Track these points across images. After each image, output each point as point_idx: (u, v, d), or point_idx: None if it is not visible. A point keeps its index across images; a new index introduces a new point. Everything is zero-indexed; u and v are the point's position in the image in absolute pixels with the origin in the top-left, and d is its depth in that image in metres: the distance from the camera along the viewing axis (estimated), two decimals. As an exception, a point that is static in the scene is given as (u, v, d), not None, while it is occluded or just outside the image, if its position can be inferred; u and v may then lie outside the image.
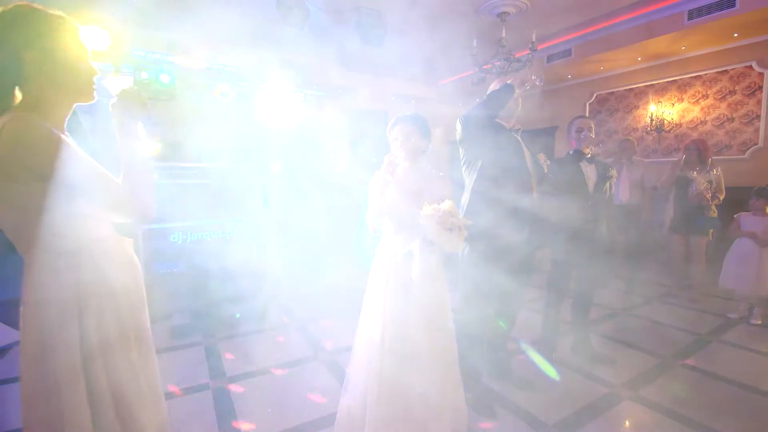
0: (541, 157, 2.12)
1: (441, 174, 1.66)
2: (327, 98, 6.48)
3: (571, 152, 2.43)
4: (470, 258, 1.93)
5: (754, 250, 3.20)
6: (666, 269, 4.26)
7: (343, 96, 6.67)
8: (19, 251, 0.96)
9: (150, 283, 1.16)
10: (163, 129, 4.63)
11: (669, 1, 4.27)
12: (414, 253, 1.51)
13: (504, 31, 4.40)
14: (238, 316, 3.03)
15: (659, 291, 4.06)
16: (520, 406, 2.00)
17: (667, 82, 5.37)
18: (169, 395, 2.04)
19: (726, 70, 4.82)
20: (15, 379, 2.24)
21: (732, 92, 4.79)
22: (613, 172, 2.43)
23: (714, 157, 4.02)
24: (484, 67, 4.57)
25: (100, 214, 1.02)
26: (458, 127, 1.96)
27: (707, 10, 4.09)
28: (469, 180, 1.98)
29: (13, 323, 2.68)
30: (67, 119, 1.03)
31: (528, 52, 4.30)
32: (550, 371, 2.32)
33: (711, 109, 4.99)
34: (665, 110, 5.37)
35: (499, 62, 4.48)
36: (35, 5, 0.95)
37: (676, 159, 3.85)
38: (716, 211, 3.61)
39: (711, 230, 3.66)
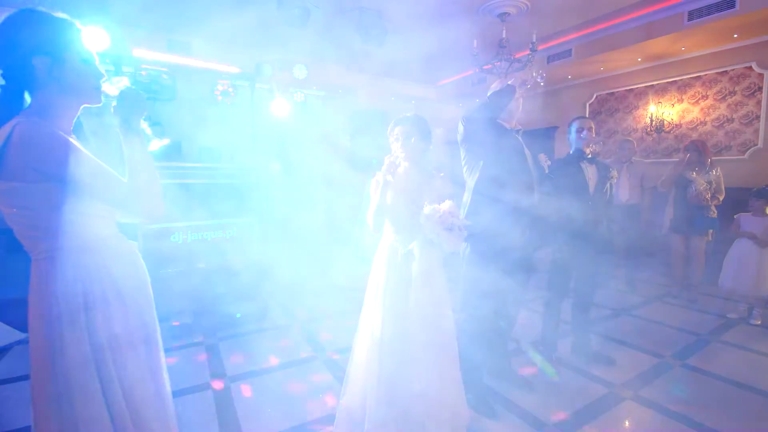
0: (542, 157, 2.12)
1: (441, 174, 1.66)
2: (327, 98, 6.49)
3: (571, 152, 2.44)
4: (470, 258, 1.93)
5: (753, 251, 3.21)
6: (666, 269, 4.27)
7: (343, 96, 6.67)
8: (26, 250, 0.97)
9: (151, 283, 1.17)
10: (163, 129, 4.63)
11: (669, 1, 4.28)
12: (414, 252, 1.51)
13: (504, 31, 4.40)
14: (238, 315, 3.03)
15: (659, 291, 4.07)
16: (520, 406, 2.00)
17: (667, 82, 5.37)
18: (169, 395, 2.04)
19: (726, 71, 4.82)
20: (15, 379, 2.24)
21: (732, 93, 4.79)
22: (614, 173, 2.44)
23: (714, 158, 4.03)
24: (485, 67, 4.57)
25: (106, 213, 1.03)
26: (460, 127, 1.96)
27: (707, 10, 4.09)
28: (470, 180, 1.98)
29: (14, 323, 2.68)
30: (73, 121, 1.04)
31: (528, 52, 4.31)
32: (550, 371, 2.33)
33: (711, 110, 4.99)
34: (665, 111, 5.37)
35: (499, 62, 4.49)
36: (41, 9, 0.96)
37: (675, 159, 3.85)
38: (716, 212, 3.62)
39: (711, 230, 3.67)
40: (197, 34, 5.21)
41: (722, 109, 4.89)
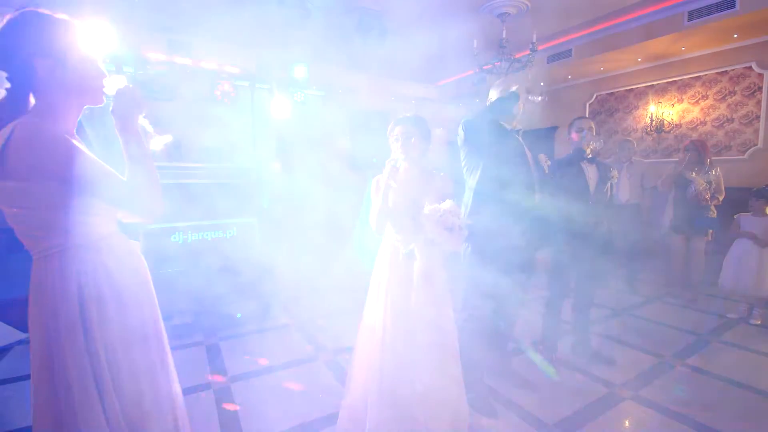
0: (542, 157, 2.13)
1: (442, 174, 1.66)
2: (327, 98, 6.49)
3: (571, 151, 2.44)
4: (471, 258, 1.93)
5: (753, 251, 3.21)
6: (666, 269, 4.27)
7: (343, 96, 6.67)
8: (27, 249, 0.97)
9: (151, 282, 1.16)
10: (163, 129, 4.63)
11: (669, 2, 4.28)
12: (415, 252, 1.51)
13: (504, 31, 4.40)
14: (239, 315, 3.03)
15: (659, 291, 4.07)
16: (520, 406, 2.00)
17: (667, 82, 5.38)
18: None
19: (726, 71, 4.83)
20: (16, 379, 2.24)
21: (732, 93, 4.80)
22: (615, 173, 2.44)
23: (714, 158, 4.03)
24: (485, 67, 4.58)
25: (106, 212, 1.03)
26: (460, 132, 1.97)
27: (707, 11, 4.09)
28: (471, 180, 1.99)
29: (14, 323, 2.68)
30: (76, 122, 1.04)
31: (528, 52, 4.31)
32: (551, 371, 2.33)
33: (711, 110, 5.00)
34: (665, 111, 5.37)
35: (499, 62, 4.49)
36: (42, 10, 0.96)
37: (675, 159, 3.86)
38: (715, 212, 3.62)
39: (710, 230, 3.67)
40: (197, 34, 5.21)
41: (722, 109, 4.89)
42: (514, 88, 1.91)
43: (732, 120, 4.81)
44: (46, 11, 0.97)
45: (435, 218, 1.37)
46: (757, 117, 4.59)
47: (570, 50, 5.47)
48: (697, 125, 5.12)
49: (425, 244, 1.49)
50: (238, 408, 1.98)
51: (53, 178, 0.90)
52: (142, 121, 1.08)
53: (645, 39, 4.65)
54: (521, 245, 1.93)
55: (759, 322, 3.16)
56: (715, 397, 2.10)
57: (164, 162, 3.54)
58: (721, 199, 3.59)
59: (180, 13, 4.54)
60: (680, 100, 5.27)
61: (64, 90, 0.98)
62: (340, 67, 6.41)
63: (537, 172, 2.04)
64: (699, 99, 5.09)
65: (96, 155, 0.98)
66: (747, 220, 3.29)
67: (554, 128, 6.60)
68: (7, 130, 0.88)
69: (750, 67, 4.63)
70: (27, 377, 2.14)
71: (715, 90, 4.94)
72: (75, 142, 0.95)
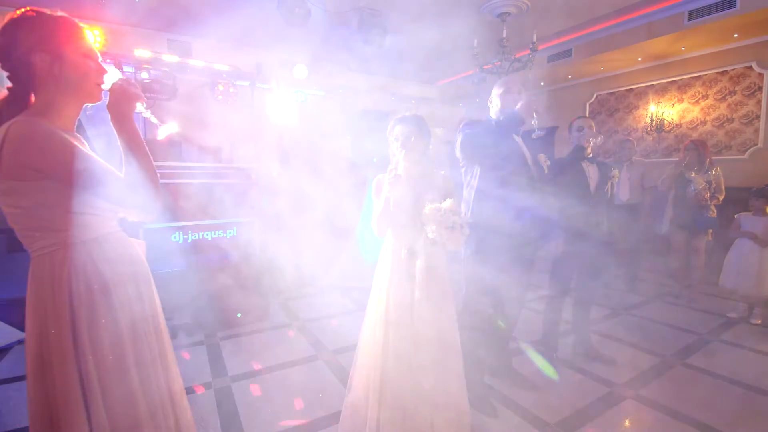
0: (542, 157, 2.12)
1: (442, 172, 1.66)
2: (327, 98, 6.49)
3: (572, 150, 2.44)
4: (471, 256, 1.93)
5: (754, 250, 3.21)
6: (666, 269, 4.27)
7: (343, 96, 6.67)
8: (25, 247, 0.97)
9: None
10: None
11: (669, 1, 4.28)
12: (417, 251, 1.51)
13: (505, 31, 4.40)
14: (239, 315, 3.03)
15: (660, 290, 4.07)
16: (521, 405, 2.00)
17: (667, 82, 5.38)
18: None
19: (726, 71, 4.83)
20: (16, 379, 2.24)
21: (732, 93, 4.80)
22: (616, 173, 2.44)
23: (714, 158, 4.03)
24: (485, 67, 4.58)
25: (104, 210, 1.02)
26: (457, 148, 1.97)
27: (707, 10, 4.10)
28: (472, 180, 1.99)
29: (14, 323, 2.68)
30: (76, 119, 1.04)
31: (528, 52, 4.31)
32: (551, 370, 2.33)
33: (711, 110, 5.00)
34: (665, 110, 5.38)
35: (499, 62, 4.49)
36: (40, 9, 0.96)
37: (675, 159, 3.86)
38: (715, 211, 3.62)
39: (710, 230, 3.67)
40: (197, 34, 5.21)
41: (722, 109, 4.89)
42: (518, 107, 1.91)
43: (732, 120, 4.81)
44: (46, 10, 0.97)
45: (436, 218, 1.37)
46: (757, 117, 4.59)
47: (570, 50, 5.47)
48: (697, 125, 5.12)
49: (427, 243, 1.49)
50: (239, 407, 1.98)
51: (48, 176, 0.90)
52: (146, 113, 1.07)
53: (645, 39, 4.66)
54: (521, 244, 1.93)
55: (759, 321, 3.16)
56: (716, 397, 2.10)
57: (164, 162, 3.54)
58: (721, 198, 3.59)
59: (180, 13, 4.54)
60: (680, 100, 5.27)
61: (62, 87, 0.97)
62: (340, 67, 6.41)
63: (537, 173, 2.04)
64: (699, 99, 5.09)
65: (96, 153, 0.98)
66: (747, 220, 3.29)
67: (554, 128, 6.60)
68: (3, 128, 0.88)
69: (750, 67, 4.63)
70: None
71: (715, 90, 4.94)
72: (72, 138, 0.94)
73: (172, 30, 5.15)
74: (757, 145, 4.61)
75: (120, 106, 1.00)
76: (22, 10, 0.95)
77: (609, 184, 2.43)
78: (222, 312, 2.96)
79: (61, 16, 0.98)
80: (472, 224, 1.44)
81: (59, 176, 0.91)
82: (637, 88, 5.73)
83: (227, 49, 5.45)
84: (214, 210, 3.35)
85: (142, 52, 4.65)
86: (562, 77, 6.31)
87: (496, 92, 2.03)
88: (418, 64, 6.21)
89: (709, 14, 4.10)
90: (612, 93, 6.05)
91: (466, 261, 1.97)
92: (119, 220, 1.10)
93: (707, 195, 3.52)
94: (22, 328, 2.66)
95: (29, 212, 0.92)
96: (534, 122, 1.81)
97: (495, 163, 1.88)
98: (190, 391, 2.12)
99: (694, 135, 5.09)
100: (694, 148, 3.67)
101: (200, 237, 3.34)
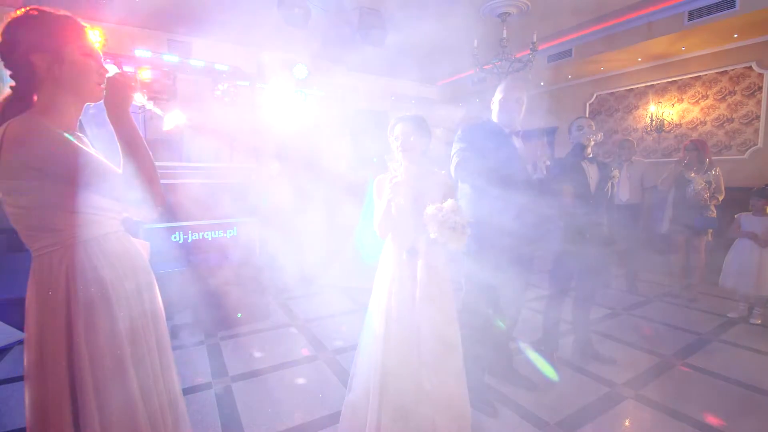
0: (541, 157, 2.12)
1: (443, 172, 1.66)
2: (327, 98, 6.48)
3: (572, 148, 2.44)
4: (470, 257, 1.93)
5: (754, 250, 3.21)
6: (666, 269, 4.27)
7: (343, 96, 6.67)
8: (27, 247, 0.96)
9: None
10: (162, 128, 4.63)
11: (669, 1, 4.28)
12: (419, 251, 1.52)
13: (505, 31, 4.40)
14: (239, 315, 3.03)
15: (660, 290, 4.07)
16: (522, 405, 2.00)
17: (667, 82, 5.38)
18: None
19: (726, 71, 4.83)
20: (16, 379, 2.24)
21: (732, 93, 4.80)
22: (616, 173, 2.44)
23: (714, 158, 4.03)
24: (485, 67, 4.57)
25: (104, 210, 1.01)
26: (452, 165, 1.97)
27: (707, 10, 4.09)
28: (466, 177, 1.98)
29: (14, 323, 2.68)
30: (77, 119, 1.03)
31: (528, 52, 4.31)
32: (551, 370, 2.33)
33: (711, 110, 5.00)
34: (665, 110, 5.37)
35: (499, 62, 4.49)
36: (42, 8, 0.96)
37: (675, 159, 3.86)
38: (715, 211, 3.63)
39: (710, 230, 3.67)
40: (197, 34, 5.20)
41: (722, 109, 4.89)
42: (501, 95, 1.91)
43: (732, 120, 4.81)
44: (49, 9, 0.96)
45: (438, 218, 1.37)
46: (757, 117, 4.59)
47: (570, 50, 5.47)
48: (697, 125, 5.12)
49: (428, 243, 1.49)
50: (239, 407, 1.98)
51: (48, 175, 0.89)
52: (149, 105, 1.06)
53: (645, 39, 4.66)
54: (521, 244, 1.93)
55: (759, 321, 3.16)
56: (715, 397, 2.10)
57: (164, 162, 3.54)
58: (720, 198, 3.59)
59: (180, 13, 4.54)
60: (680, 100, 5.27)
61: (63, 87, 0.97)
62: (340, 67, 6.41)
63: (536, 172, 2.03)
64: (699, 99, 5.09)
65: (98, 153, 0.97)
66: (748, 220, 3.29)
67: (554, 128, 6.60)
68: (2, 129, 0.88)
69: (750, 67, 4.63)
70: (27, 377, 2.14)
71: (715, 90, 4.94)
72: (73, 138, 0.94)
73: (172, 30, 5.14)
74: (756, 145, 4.61)
75: (116, 99, 0.98)
76: (24, 9, 0.95)
77: (609, 184, 2.43)
78: (222, 312, 2.96)
79: (64, 16, 0.98)
80: (472, 224, 1.44)
81: (59, 175, 0.90)
82: (637, 88, 5.73)
83: (227, 49, 5.45)
84: (214, 210, 3.35)
85: (142, 52, 4.65)
86: (562, 77, 6.31)
87: (496, 97, 2.03)
88: (418, 64, 6.20)
89: (709, 14, 4.10)
90: (612, 93, 6.05)
91: (465, 260, 1.97)
92: (123, 220, 1.09)
93: (707, 195, 3.52)
94: (22, 328, 2.66)
95: (30, 212, 0.92)
96: (543, 164, 1.87)
97: (493, 165, 1.87)
98: (190, 391, 2.12)
99: (694, 135, 5.09)
100: (694, 148, 3.67)
101: (200, 237, 3.34)
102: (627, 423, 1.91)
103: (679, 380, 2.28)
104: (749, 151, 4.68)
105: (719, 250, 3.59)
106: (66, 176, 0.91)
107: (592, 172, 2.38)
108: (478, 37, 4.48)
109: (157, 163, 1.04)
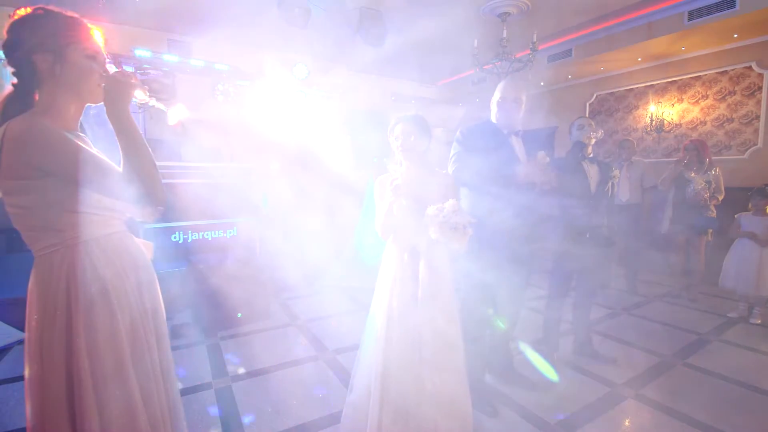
0: (541, 155, 2.12)
1: (444, 172, 1.66)
2: (327, 98, 6.49)
3: (572, 145, 2.43)
4: (468, 256, 1.93)
5: (754, 250, 3.21)
6: (666, 269, 4.27)
7: (343, 96, 6.67)
8: (29, 247, 0.96)
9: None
10: (162, 129, 4.63)
11: (669, 1, 4.28)
12: (420, 252, 1.52)
13: (505, 31, 4.40)
14: (239, 315, 3.03)
15: (660, 290, 4.07)
16: (522, 405, 2.00)
17: (667, 82, 5.38)
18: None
19: (726, 71, 4.83)
20: (16, 379, 2.24)
21: (732, 93, 4.80)
22: (617, 173, 2.44)
23: (713, 158, 4.03)
24: (485, 67, 4.57)
25: (106, 210, 1.00)
26: (450, 164, 1.97)
27: (707, 10, 4.09)
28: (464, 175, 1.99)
29: (14, 323, 2.68)
30: (78, 120, 1.03)
31: (528, 52, 4.31)
32: (552, 370, 2.33)
33: (711, 110, 5.00)
34: (665, 110, 5.38)
35: (499, 62, 4.49)
36: (49, 7, 0.96)
37: (675, 159, 3.86)
38: (714, 211, 3.63)
39: (710, 230, 3.67)
40: (197, 34, 5.20)
41: (722, 109, 4.89)
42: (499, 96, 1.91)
43: (732, 120, 4.81)
44: (54, 8, 0.96)
45: (439, 218, 1.37)
46: (757, 117, 4.59)
47: (570, 50, 5.47)
48: (697, 125, 5.12)
49: (430, 244, 1.49)
50: (239, 407, 1.98)
51: (49, 174, 0.89)
52: (151, 101, 1.05)
53: (645, 39, 4.66)
54: (521, 243, 1.93)
55: (759, 321, 3.16)
56: (716, 396, 2.10)
57: (164, 162, 3.53)
58: (720, 198, 3.60)
59: (180, 13, 4.54)
60: (680, 100, 5.27)
61: (64, 87, 0.97)
62: (340, 67, 6.41)
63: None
64: (699, 99, 5.10)
65: (98, 152, 0.97)
66: (747, 220, 3.29)
67: (554, 128, 6.60)
68: (2, 128, 0.87)
69: (750, 67, 4.63)
70: (27, 377, 2.14)
71: (715, 90, 4.94)
72: (74, 137, 0.94)
73: (172, 30, 5.14)
74: (756, 145, 4.61)
75: (115, 97, 0.97)
76: (27, 9, 0.95)
77: (610, 184, 2.43)
78: (222, 312, 2.96)
79: (70, 16, 0.98)
80: (472, 223, 1.43)
81: (61, 174, 0.90)
82: (637, 88, 5.73)
83: (227, 49, 5.45)
84: (214, 210, 3.34)
85: (142, 52, 4.65)
86: (562, 77, 6.31)
87: (495, 97, 2.03)
88: (418, 64, 6.20)
89: (709, 14, 4.10)
90: (612, 93, 6.05)
91: (463, 260, 1.96)
92: (126, 220, 1.09)
93: (707, 195, 3.52)
94: (21, 328, 2.66)
95: (31, 212, 0.92)
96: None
97: (490, 167, 1.87)
98: (190, 391, 2.12)
99: (694, 135, 5.09)
100: (694, 148, 3.67)
101: (200, 237, 3.35)
102: (627, 423, 1.91)
103: (679, 380, 2.28)
104: (749, 151, 4.68)
105: (719, 250, 3.59)
106: (67, 175, 0.90)
107: (593, 172, 2.38)
108: (478, 37, 4.48)
109: (157, 163, 1.03)
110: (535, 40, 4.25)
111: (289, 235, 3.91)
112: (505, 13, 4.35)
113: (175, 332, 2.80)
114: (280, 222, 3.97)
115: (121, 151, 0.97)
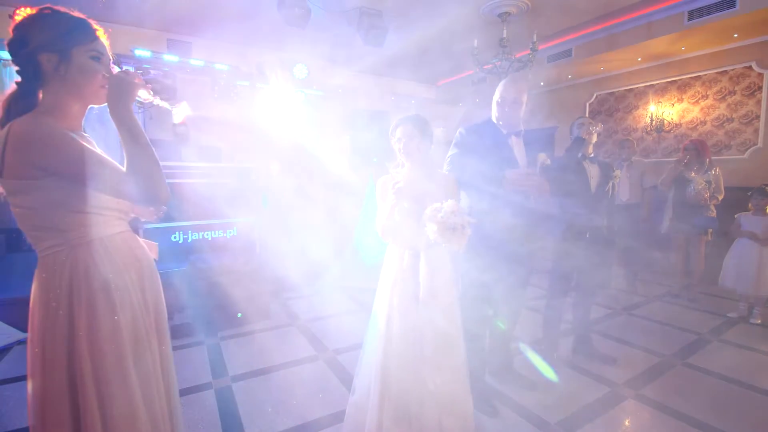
0: (542, 156, 2.12)
1: (445, 173, 1.66)
2: (327, 98, 6.49)
3: (572, 142, 2.44)
4: (467, 256, 1.93)
5: (754, 250, 3.21)
6: (666, 269, 4.27)
7: (343, 96, 6.67)
8: (33, 248, 0.96)
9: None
10: (162, 128, 4.63)
11: (669, 1, 4.28)
12: (421, 252, 1.52)
13: (505, 31, 4.40)
14: (240, 315, 3.03)
15: (660, 290, 4.07)
16: (522, 405, 2.00)
17: (667, 82, 5.38)
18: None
19: (726, 71, 4.83)
20: (16, 379, 2.24)
21: (731, 93, 4.80)
22: (617, 172, 2.44)
23: (713, 157, 4.03)
24: (485, 67, 4.57)
25: (109, 210, 1.00)
26: (446, 163, 1.97)
27: (707, 10, 4.09)
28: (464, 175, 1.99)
29: (14, 323, 2.68)
30: (82, 120, 1.03)
31: (529, 52, 4.31)
32: (552, 370, 2.33)
33: (711, 110, 5.00)
34: (665, 110, 5.38)
35: (499, 62, 4.49)
36: (57, 7, 0.96)
37: (675, 159, 3.86)
38: (715, 211, 3.63)
39: (710, 230, 3.67)
40: (197, 34, 5.20)
41: (722, 109, 4.89)
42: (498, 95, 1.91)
43: (732, 120, 4.81)
44: (61, 8, 0.96)
45: (437, 219, 1.37)
46: (757, 116, 4.59)
47: (570, 50, 5.47)
48: (697, 125, 5.12)
49: (430, 244, 1.49)
50: (240, 408, 1.98)
51: (52, 174, 0.89)
52: (156, 100, 1.05)
53: (645, 39, 4.65)
54: (520, 243, 1.93)
55: (759, 321, 3.16)
56: (716, 396, 2.10)
57: (164, 162, 3.53)
58: (720, 198, 3.60)
59: (180, 13, 4.54)
60: (680, 100, 5.27)
61: (67, 88, 0.97)
62: (340, 67, 6.41)
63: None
64: (699, 99, 5.09)
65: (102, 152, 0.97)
66: (747, 220, 3.29)
67: (554, 128, 6.59)
68: (5, 128, 0.87)
69: (750, 67, 4.63)
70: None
71: (715, 90, 4.94)
72: (77, 137, 0.93)
73: (172, 30, 5.14)
74: (756, 145, 4.61)
75: (118, 95, 0.96)
76: (30, 9, 0.95)
77: (610, 184, 2.44)
78: (222, 312, 2.96)
79: (77, 17, 0.98)
80: (471, 223, 1.43)
81: (64, 174, 0.90)
82: (637, 88, 5.73)
83: (227, 49, 5.45)
84: (214, 210, 3.34)
85: (142, 52, 4.65)
86: (562, 77, 6.30)
87: (495, 97, 2.03)
88: (418, 64, 6.20)
89: (709, 14, 4.09)
90: (612, 93, 6.05)
91: (461, 259, 1.96)
92: (131, 220, 1.09)
93: (707, 195, 3.52)
94: (21, 328, 2.66)
95: (35, 212, 0.92)
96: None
97: (487, 168, 1.87)
98: (190, 391, 2.12)
99: (694, 135, 5.09)
100: (694, 148, 3.67)
101: (200, 237, 3.34)
102: (627, 423, 1.91)
103: (680, 380, 2.28)
104: (749, 151, 4.68)
105: (719, 249, 3.59)
106: (71, 175, 0.90)
107: (594, 172, 2.39)
108: (478, 37, 4.48)
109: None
110: (535, 40, 4.25)
111: (289, 235, 3.91)
112: (505, 12, 4.35)
113: (175, 332, 2.80)
114: (280, 222, 3.97)
115: (124, 151, 0.97)
